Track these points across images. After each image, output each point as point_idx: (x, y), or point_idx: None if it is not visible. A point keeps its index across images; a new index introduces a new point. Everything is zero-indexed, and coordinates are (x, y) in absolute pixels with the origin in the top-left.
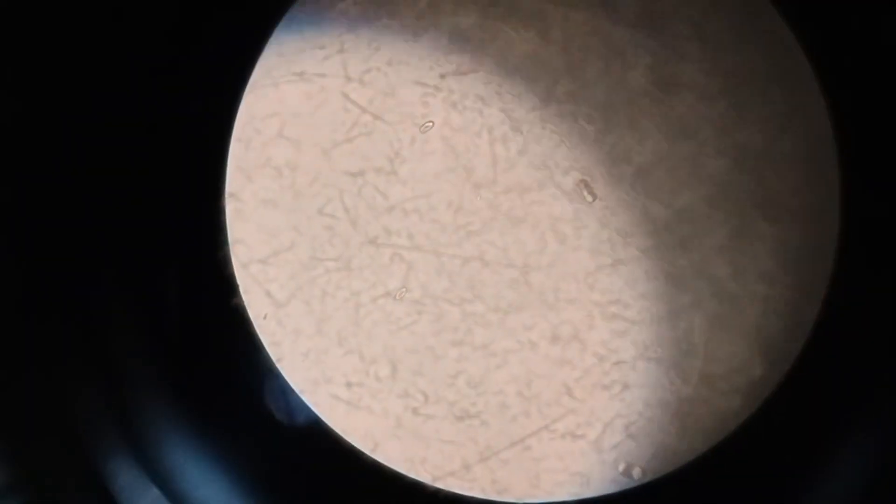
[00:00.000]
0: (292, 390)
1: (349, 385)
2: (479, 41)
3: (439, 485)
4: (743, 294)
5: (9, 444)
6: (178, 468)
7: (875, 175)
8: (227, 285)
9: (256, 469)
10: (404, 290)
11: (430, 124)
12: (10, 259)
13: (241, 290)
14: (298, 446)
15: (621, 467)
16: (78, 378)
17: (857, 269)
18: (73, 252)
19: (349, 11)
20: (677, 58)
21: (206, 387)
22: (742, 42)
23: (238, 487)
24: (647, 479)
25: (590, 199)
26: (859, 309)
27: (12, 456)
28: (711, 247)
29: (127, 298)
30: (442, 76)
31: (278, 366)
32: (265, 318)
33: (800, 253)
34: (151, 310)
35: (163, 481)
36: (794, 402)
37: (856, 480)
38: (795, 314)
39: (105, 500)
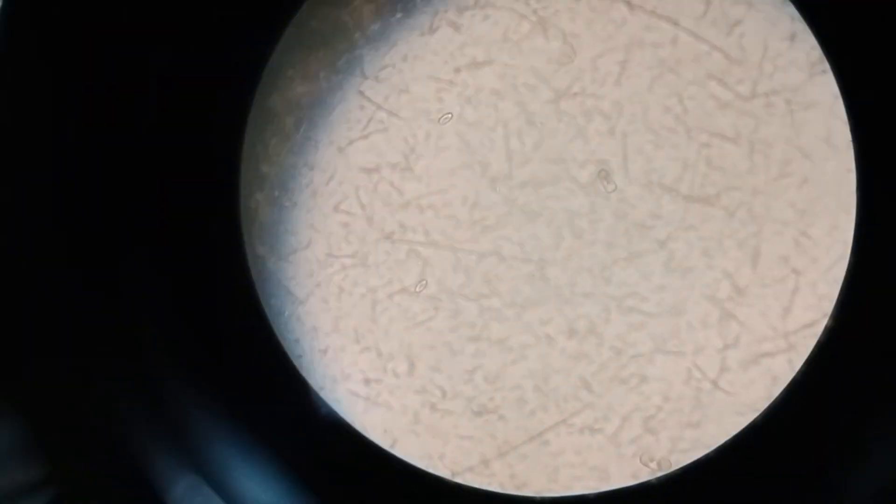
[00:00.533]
0: (311, 387)
1: (367, 381)
2: (493, 34)
3: (458, 480)
4: (762, 285)
5: (42, 439)
6: (211, 459)
7: (893, 168)
8: (246, 284)
9: (281, 462)
10: (424, 282)
11: (450, 115)
12: (37, 259)
13: (260, 288)
14: (318, 442)
15: (639, 461)
16: (109, 373)
17: (876, 260)
18: (97, 253)
19: (363, 8)
20: (696, 47)
21: (230, 384)
22: (762, 29)
23: (265, 478)
24: (665, 473)
25: (611, 188)
26: (879, 301)
27: (46, 449)
28: (729, 239)
29: (151, 297)
30: (457, 70)
31: (297, 363)
32: (284, 315)
33: (819, 245)
34: (174, 307)
35: (197, 470)
36: (813, 394)
37: (880, 471)
38: (815, 306)
39: (141, 487)
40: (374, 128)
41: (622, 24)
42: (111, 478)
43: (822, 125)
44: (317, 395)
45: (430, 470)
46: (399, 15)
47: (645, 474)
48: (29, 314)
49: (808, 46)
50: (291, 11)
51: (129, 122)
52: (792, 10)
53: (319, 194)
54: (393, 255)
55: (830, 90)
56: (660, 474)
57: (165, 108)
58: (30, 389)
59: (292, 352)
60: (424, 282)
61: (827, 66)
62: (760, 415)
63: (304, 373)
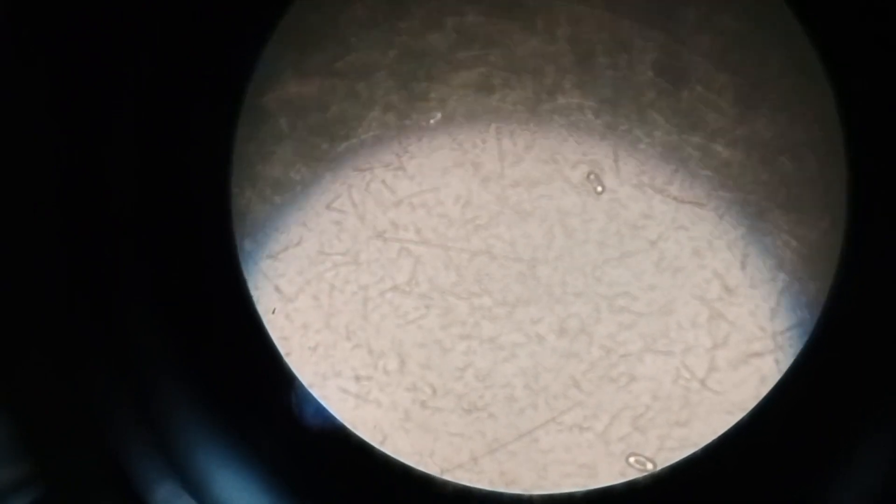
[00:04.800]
0: (301, 384)
1: (357, 379)
2: (486, 36)
3: (448, 477)
4: (751, 286)
5: (25, 437)
6: (195, 460)
7: (884, 167)
8: (235, 281)
9: (267, 462)
10: (413, 283)
11: (442, 115)
12: (20, 256)
13: (250, 285)
14: (307, 440)
15: (628, 459)
16: (94, 370)
17: (866, 261)
18: (85, 249)
19: (357, 11)
20: (685, 49)
21: (217, 381)
22: (751, 33)
23: (250, 480)
24: (653, 471)
25: (599, 189)
26: (868, 301)
27: (28, 448)
28: (720, 239)
29: (138, 294)
30: (450, 69)
31: (287, 360)
32: (273, 312)
33: (810, 244)
34: (162, 304)
35: (180, 472)
36: (801, 394)
37: (866, 471)
38: (805, 305)
39: (123, 490)
40: (366, 127)
41: (616, 28)
42: (93, 480)
43: (814, 127)
44: (306, 392)
45: (420, 467)
46: (393, 19)
47: (633, 473)
48: (13, 312)
49: (800, 49)
50: (284, 9)
51: (117, 119)
52: (786, 12)
53: (311, 192)
54: (385, 253)
55: (822, 93)
56: (648, 473)
57: (156, 107)
58: (13, 388)
59: (282, 349)
60: (413, 282)
61: (819, 68)
62: (748, 414)
63: (294, 370)
